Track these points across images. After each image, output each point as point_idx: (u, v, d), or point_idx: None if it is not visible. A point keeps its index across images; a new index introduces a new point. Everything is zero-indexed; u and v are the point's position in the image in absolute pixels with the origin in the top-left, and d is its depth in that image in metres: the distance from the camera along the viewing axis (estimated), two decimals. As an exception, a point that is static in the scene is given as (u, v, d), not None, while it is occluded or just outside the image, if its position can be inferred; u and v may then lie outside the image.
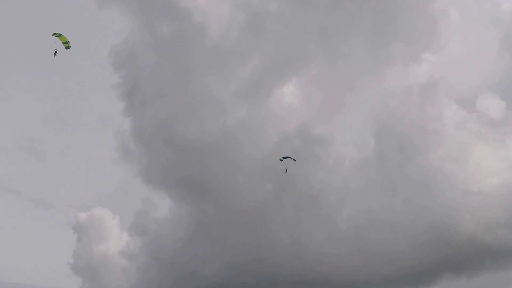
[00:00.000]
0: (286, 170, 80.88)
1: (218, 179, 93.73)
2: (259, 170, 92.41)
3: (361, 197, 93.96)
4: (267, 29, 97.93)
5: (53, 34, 63.13)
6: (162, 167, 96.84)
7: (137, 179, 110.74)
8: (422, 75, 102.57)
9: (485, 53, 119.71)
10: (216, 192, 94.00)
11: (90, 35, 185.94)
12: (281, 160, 79.09)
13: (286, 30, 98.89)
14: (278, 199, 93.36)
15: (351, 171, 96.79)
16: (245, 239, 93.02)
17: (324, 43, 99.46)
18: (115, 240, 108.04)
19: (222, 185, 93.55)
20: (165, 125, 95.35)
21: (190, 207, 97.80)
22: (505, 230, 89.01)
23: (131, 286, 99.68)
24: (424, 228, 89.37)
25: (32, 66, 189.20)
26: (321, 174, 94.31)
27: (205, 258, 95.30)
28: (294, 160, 78.08)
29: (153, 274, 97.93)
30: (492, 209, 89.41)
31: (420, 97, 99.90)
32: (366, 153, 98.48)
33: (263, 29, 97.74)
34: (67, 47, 63.99)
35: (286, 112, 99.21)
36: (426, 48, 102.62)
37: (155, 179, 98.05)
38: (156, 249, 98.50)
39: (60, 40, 63.34)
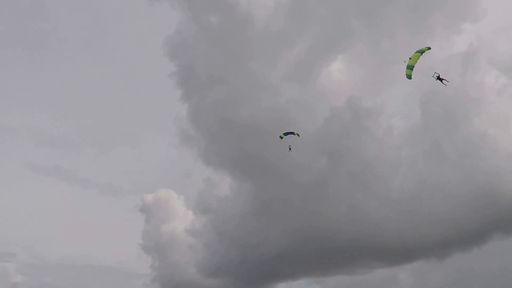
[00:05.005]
0: (290, 149, 73.21)
1: (274, 156, 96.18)
2: (312, 145, 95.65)
3: (411, 165, 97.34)
4: (309, 12, 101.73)
5: (281, 137, 67.30)
6: (220, 148, 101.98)
7: (198, 161, 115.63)
8: (463, 44, 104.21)
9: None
10: (273, 168, 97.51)
11: (143, 29, 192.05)
12: (281, 137, 69.72)
13: (328, 11, 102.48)
14: (333, 171, 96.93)
15: (400, 141, 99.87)
16: (303, 210, 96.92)
17: (365, 21, 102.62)
18: (181, 219, 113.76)
19: (278, 161, 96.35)
20: (221, 109, 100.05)
21: (249, 184, 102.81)
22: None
23: (198, 261, 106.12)
24: (472, 191, 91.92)
25: (90, 63, 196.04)
26: (372, 145, 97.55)
27: (266, 230, 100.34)
28: (298, 135, 70.37)
29: (218, 248, 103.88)
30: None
31: (462, 65, 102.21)
32: (414, 123, 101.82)
33: (306, 11, 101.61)
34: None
35: (334, 88, 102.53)
36: (465, 18, 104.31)
37: (215, 160, 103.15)
38: (220, 225, 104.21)
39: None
